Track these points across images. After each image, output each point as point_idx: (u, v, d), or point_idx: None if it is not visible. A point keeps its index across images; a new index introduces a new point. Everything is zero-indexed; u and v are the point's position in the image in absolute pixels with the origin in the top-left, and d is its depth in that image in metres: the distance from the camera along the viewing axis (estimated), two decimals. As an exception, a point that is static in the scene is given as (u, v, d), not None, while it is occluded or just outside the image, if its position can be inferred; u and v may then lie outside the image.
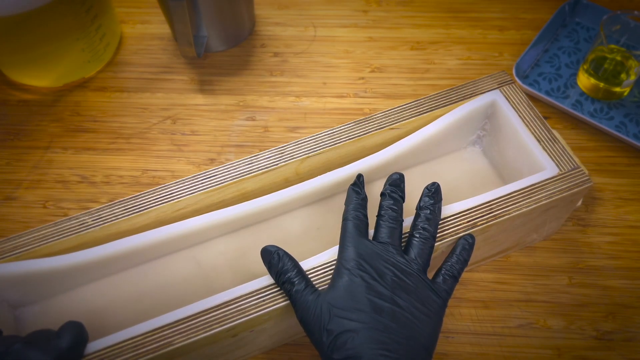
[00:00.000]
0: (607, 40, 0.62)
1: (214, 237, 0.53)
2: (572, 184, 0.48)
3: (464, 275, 0.55)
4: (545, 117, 0.65)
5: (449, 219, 0.46)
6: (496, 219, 0.46)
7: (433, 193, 0.46)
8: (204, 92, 0.68)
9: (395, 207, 0.45)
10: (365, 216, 0.45)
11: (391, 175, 0.47)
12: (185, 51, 0.65)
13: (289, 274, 0.42)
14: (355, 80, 0.68)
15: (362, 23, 0.73)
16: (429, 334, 0.40)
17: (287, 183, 0.52)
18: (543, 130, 0.51)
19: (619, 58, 0.64)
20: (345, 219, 0.44)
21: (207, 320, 0.42)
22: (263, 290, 0.44)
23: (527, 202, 0.47)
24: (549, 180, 0.48)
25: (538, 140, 0.50)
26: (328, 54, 0.71)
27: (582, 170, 0.49)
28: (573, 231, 0.57)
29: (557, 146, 0.50)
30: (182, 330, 0.42)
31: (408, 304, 0.40)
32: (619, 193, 0.59)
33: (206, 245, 0.53)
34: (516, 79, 0.65)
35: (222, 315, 0.43)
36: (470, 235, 0.46)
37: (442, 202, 0.46)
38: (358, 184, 0.47)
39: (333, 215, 0.54)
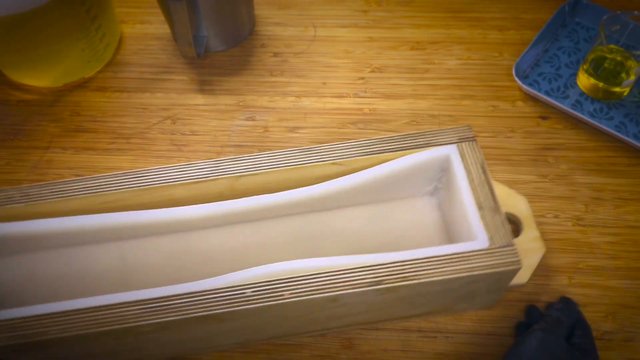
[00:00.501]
0: (606, 41, 0.62)
1: (145, 236, 0.53)
2: (498, 262, 0.43)
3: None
4: (545, 117, 0.65)
5: (354, 270, 0.43)
6: (404, 281, 0.43)
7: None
8: (203, 92, 0.68)
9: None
10: None
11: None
12: (185, 51, 0.65)
13: None
14: (355, 80, 0.68)
15: (362, 23, 0.73)
16: None
17: (220, 197, 0.50)
18: (488, 198, 0.46)
19: (618, 58, 0.64)
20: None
21: (85, 319, 0.42)
22: (148, 302, 0.43)
23: (442, 271, 0.43)
24: (476, 253, 0.44)
25: (479, 207, 0.46)
26: (328, 54, 0.71)
27: (514, 249, 0.44)
28: (573, 231, 0.57)
29: (497, 218, 0.45)
30: (60, 323, 0.42)
31: None
32: (619, 193, 0.59)
33: (136, 242, 0.52)
34: (516, 78, 0.65)
35: (101, 317, 0.42)
36: None
37: (392, 252, 0.45)
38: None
39: (265, 238, 0.53)
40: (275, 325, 0.48)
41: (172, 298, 0.43)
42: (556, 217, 0.58)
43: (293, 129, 0.65)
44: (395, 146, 0.50)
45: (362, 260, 0.44)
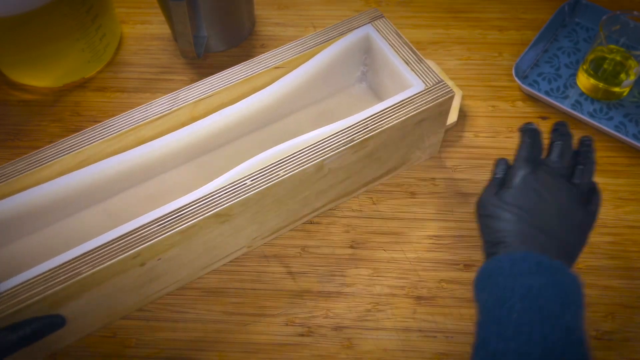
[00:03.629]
0: (606, 41, 0.62)
1: (124, 189, 0.56)
2: (436, 95, 0.53)
3: (464, 275, 0.55)
4: (544, 117, 0.65)
5: (328, 138, 0.51)
6: (371, 132, 0.51)
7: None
8: (204, 92, 0.68)
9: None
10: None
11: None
12: (185, 51, 0.65)
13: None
14: (355, 81, 0.68)
15: (362, 23, 0.73)
16: None
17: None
18: (410, 54, 0.56)
19: (618, 58, 0.64)
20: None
21: (112, 249, 0.45)
22: (163, 217, 0.46)
23: (398, 115, 0.52)
24: (416, 95, 0.53)
25: (406, 62, 0.55)
26: (328, 54, 0.71)
27: (444, 83, 0.53)
28: (573, 231, 0.57)
29: (423, 65, 0.55)
30: (89, 260, 0.45)
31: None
32: (619, 193, 0.59)
33: (117, 198, 0.56)
34: (515, 79, 0.65)
35: (125, 243, 0.45)
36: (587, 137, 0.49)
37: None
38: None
39: (232, 160, 0.55)
40: (275, 215, 0.53)
41: (183, 208, 0.47)
42: (556, 217, 0.58)
43: (293, 129, 0.65)
44: (323, 39, 0.58)
45: (331, 129, 0.51)
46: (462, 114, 0.65)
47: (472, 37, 0.72)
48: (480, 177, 0.61)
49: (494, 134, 0.64)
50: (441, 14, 0.74)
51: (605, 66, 0.64)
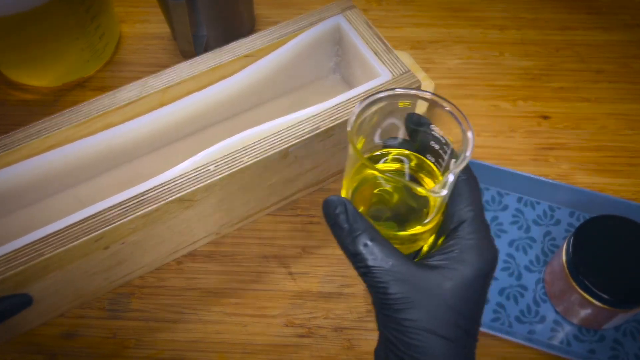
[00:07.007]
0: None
1: (94, 176, 0.56)
2: (403, 85, 0.53)
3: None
4: (546, 117, 0.64)
5: (294, 125, 0.50)
6: (337, 120, 0.51)
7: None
8: (203, 92, 0.68)
9: None
10: None
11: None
12: (184, 51, 0.64)
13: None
14: (355, 80, 0.68)
15: (362, 22, 0.73)
16: None
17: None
18: (379, 44, 0.55)
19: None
20: None
21: (75, 232, 0.45)
22: (126, 201, 0.46)
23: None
24: (385, 84, 0.53)
25: (375, 52, 0.55)
26: (328, 53, 0.71)
27: (411, 73, 0.53)
28: (574, 231, 0.57)
29: (391, 55, 0.55)
30: (52, 242, 0.45)
31: None
32: (620, 193, 0.59)
33: (88, 185, 0.56)
34: None
35: (88, 225, 0.45)
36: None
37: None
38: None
39: (202, 148, 0.51)
40: (241, 203, 0.54)
41: (146, 192, 0.47)
42: (557, 217, 0.58)
43: (293, 129, 0.65)
44: (293, 28, 0.57)
45: (297, 117, 0.51)
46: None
47: (473, 36, 0.72)
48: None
49: (494, 134, 0.63)
50: (442, 12, 0.74)
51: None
